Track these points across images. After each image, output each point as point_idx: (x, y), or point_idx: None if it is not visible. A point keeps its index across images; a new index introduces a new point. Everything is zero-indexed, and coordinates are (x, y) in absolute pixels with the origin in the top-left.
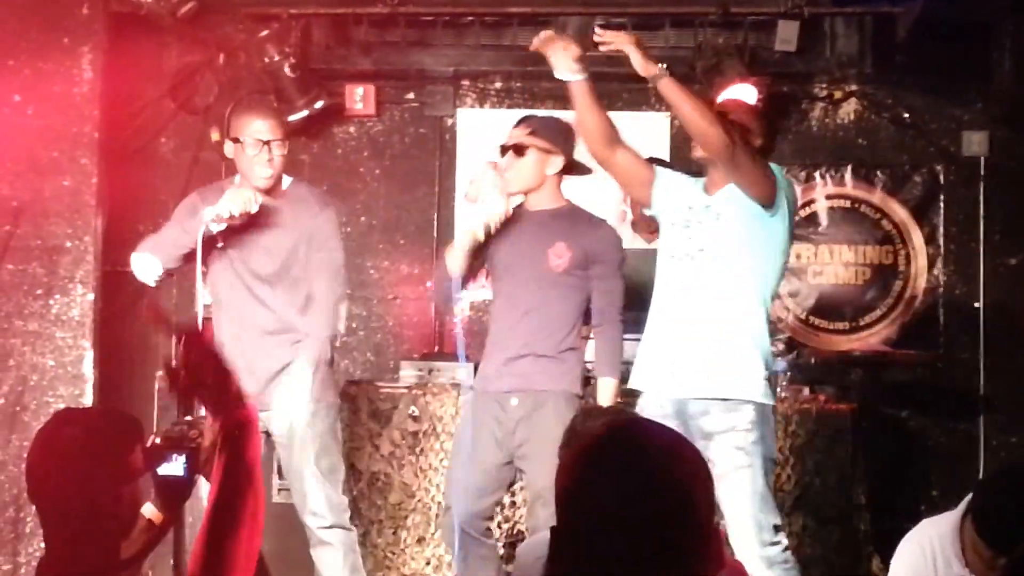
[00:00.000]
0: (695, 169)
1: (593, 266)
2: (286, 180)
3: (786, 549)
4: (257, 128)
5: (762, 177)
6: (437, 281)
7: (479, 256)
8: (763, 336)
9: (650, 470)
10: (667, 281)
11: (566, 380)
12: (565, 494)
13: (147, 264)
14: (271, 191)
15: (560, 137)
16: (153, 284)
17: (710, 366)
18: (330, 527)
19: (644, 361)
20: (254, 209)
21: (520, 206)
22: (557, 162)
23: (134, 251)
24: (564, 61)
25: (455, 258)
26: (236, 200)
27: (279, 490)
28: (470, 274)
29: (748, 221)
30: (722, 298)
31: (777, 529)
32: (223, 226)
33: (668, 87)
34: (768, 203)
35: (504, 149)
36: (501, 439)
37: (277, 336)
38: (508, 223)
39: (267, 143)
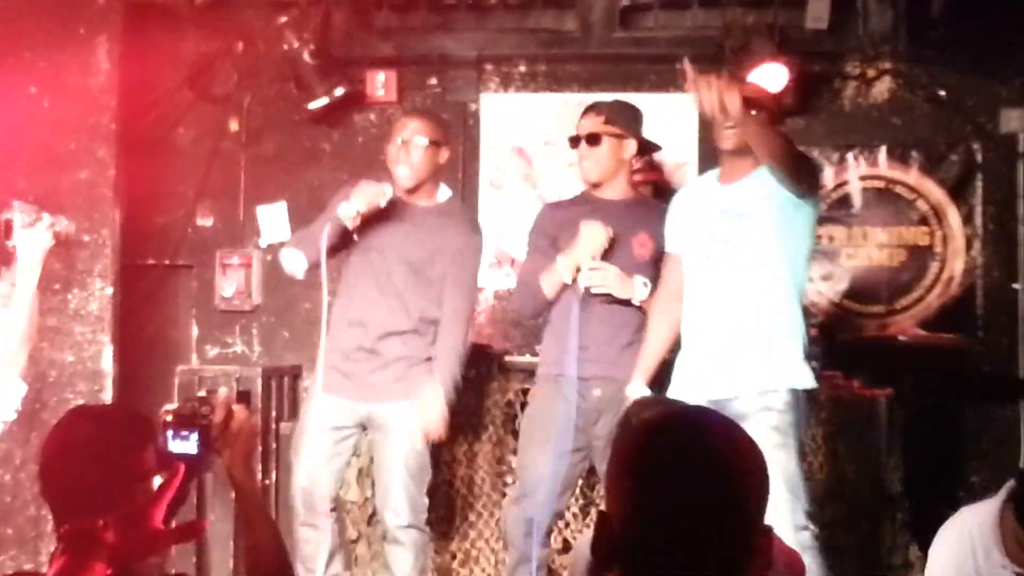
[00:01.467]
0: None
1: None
2: (444, 192)
3: (816, 536)
4: (402, 127)
5: (810, 174)
6: None
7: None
8: (798, 322)
9: (705, 459)
10: (696, 283)
11: None
12: (617, 483)
13: (293, 259)
14: (418, 194)
15: (632, 121)
16: (301, 277)
17: (748, 361)
18: (407, 527)
19: (681, 369)
20: (382, 203)
21: (589, 195)
22: (631, 146)
23: (284, 246)
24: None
25: None
26: (363, 194)
27: None
28: None
29: (775, 209)
30: (754, 289)
31: (809, 515)
32: (354, 221)
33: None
34: (807, 193)
35: (576, 140)
36: (582, 427)
37: (402, 335)
38: (582, 213)
39: (406, 143)
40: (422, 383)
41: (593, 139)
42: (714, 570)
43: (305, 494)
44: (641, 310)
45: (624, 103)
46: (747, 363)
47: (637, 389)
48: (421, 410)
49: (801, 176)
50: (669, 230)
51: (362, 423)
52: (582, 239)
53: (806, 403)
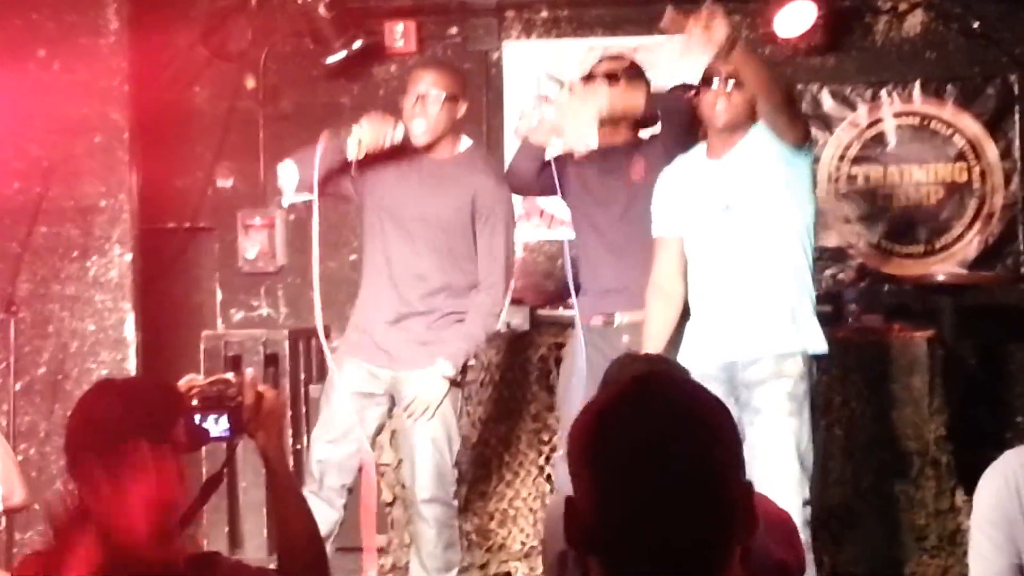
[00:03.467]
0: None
1: None
2: (464, 143)
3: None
4: (417, 80)
5: (803, 123)
6: None
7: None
8: (807, 282)
9: (667, 437)
10: (701, 253)
11: None
12: (578, 470)
13: (287, 171)
14: (436, 150)
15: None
16: (286, 201)
17: (758, 324)
18: (430, 500)
19: (692, 335)
20: (386, 141)
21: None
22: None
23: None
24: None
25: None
26: (371, 125)
27: None
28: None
29: (771, 167)
30: (758, 251)
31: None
32: (357, 149)
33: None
34: (802, 142)
35: (592, 77)
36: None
37: (428, 297)
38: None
39: (422, 96)
40: (443, 349)
41: (613, 77)
42: (696, 549)
43: (321, 466)
44: None
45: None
46: (762, 325)
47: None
48: (421, 382)
49: (795, 119)
50: (658, 212)
51: (389, 391)
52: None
53: (816, 369)
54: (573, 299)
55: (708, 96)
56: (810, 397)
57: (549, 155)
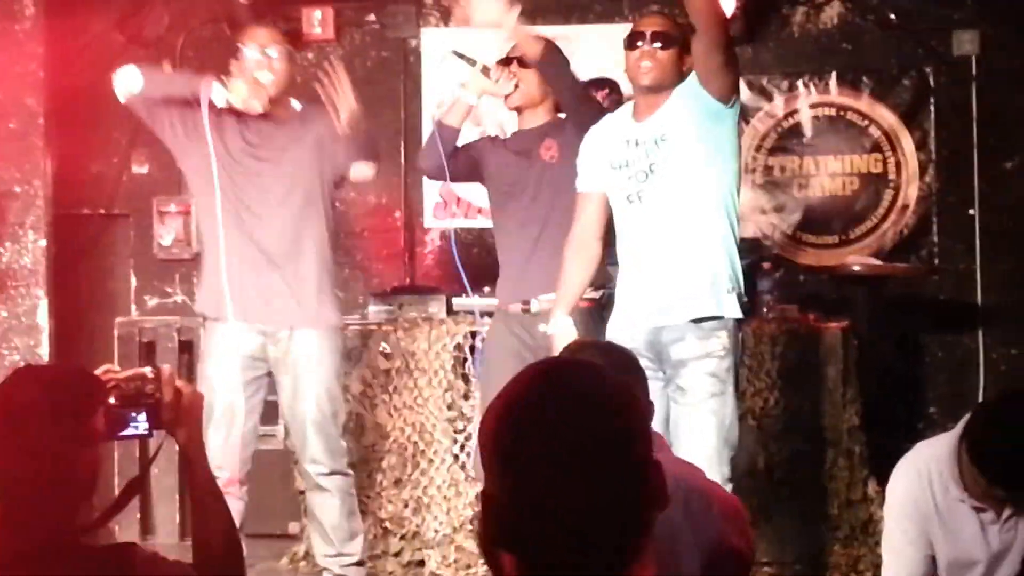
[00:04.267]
0: None
1: None
2: (294, 103)
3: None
4: (256, 36)
5: (734, 72)
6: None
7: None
8: (732, 248)
9: (574, 428)
10: (626, 217)
11: None
12: (489, 465)
13: (130, 77)
14: (277, 109)
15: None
16: (122, 99)
17: (681, 287)
18: (329, 473)
19: (621, 301)
20: (256, 108)
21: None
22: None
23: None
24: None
25: None
26: (248, 89)
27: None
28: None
29: (696, 127)
30: (682, 214)
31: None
32: (219, 101)
33: None
34: (730, 94)
35: (509, 60)
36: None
37: (300, 275)
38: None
39: (265, 53)
40: (323, 311)
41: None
42: (608, 531)
43: (221, 457)
44: None
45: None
46: (682, 292)
47: (560, 324)
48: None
49: (729, 64)
50: (583, 168)
51: (268, 365)
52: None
53: (740, 340)
54: (467, 288)
55: (634, 55)
56: (735, 370)
57: (464, 139)
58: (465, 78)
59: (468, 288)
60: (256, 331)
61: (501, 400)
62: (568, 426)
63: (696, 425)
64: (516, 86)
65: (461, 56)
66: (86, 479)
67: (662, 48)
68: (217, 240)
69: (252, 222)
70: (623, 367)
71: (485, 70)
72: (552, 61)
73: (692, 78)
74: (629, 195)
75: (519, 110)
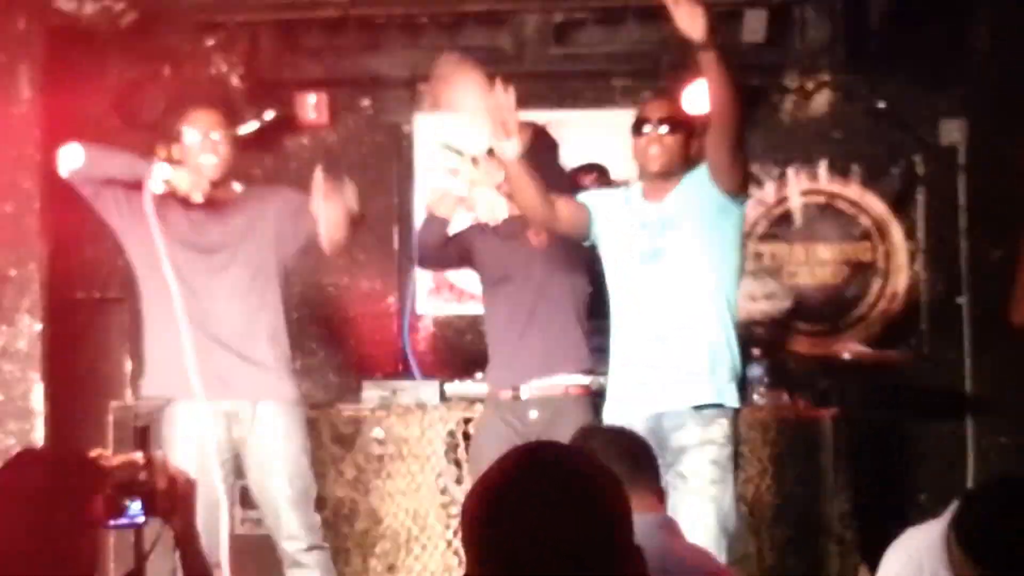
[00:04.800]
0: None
1: None
2: (236, 187)
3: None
4: (199, 121)
5: (745, 168)
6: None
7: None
8: (732, 338)
9: (559, 501)
10: (625, 294)
11: None
12: (469, 550)
13: (72, 154)
14: (219, 193)
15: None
16: (64, 174)
17: (682, 374)
18: (308, 549)
19: (617, 386)
20: (198, 196)
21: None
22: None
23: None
24: (504, 137)
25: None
26: (191, 177)
27: (242, 521)
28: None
29: (703, 218)
30: (685, 302)
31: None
32: (159, 187)
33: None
34: (739, 190)
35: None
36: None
37: (253, 349)
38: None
39: (208, 137)
40: (281, 385)
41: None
42: None
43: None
44: (584, 305)
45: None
46: (682, 379)
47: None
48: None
49: (740, 159)
50: (595, 222)
51: (234, 445)
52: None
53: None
54: (416, 375)
55: (641, 140)
56: (734, 458)
57: (455, 228)
58: (455, 167)
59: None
60: (220, 413)
61: (482, 485)
62: (550, 512)
63: (696, 512)
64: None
65: (451, 149)
66: (85, 564)
67: (669, 133)
68: (173, 320)
69: (201, 307)
70: (634, 451)
71: (474, 161)
72: (534, 151)
73: (703, 169)
74: (631, 276)
75: (510, 196)
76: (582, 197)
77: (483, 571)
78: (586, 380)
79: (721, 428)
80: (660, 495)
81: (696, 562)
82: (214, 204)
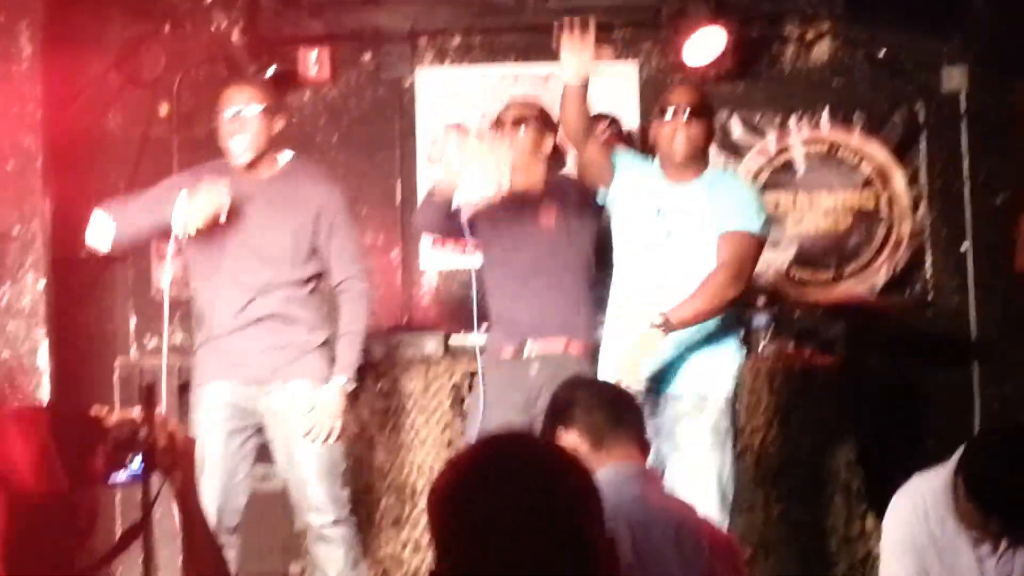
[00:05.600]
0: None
1: None
2: (285, 156)
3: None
4: (229, 98)
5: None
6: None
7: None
8: (734, 324)
9: (528, 501)
10: (633, 269)
11: None
12: (437, 535)
13: (103, 227)
14: (258, 168)
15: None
16: (102, 252)
17: (686, 360)
18: (333, 523)
19: (613, 351)
20: (223, 215)
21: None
22: (550, 143)
23: (97, 207)
24: (578, 64)
25: None
26: (201, 210)
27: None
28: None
29: (717, 217)
30: (690, 280)
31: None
32: (187, 235)
33: None
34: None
35: (501, 123)
36: (523, 406)
37: (285, 326)
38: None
39: (238, 113)
40: (316, 364)
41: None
42: None
43: (219, 512)
44: (588, 276)
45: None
46: (686, 364)
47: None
48: (316, 407)
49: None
50: (616, 181)
51: (257, 418)
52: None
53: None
54: (475, 331)
55: (665, 128)
56: (733, 429)
57: (458, 201)
58: (457, 141)
59: (476, 330)
60: (249, 382)
61: (446, 476)
62: (515, 501)
63: (694, 481)
64: (510, 148)
65: (455, 131)
66: (85, 520)
67: (695, 120)
68: (209, 298)
69: (243, 290)
70: (615, 402)
71: (479, 135)
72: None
73: (732, 203)
74: (645, 247)
75: (514, 171)
76: (615, 151)
77: (448, 564)
78: (587, 340)
79: (719, 397)
80: (642, 446)
81: (677, 511)
82: (250, 194)
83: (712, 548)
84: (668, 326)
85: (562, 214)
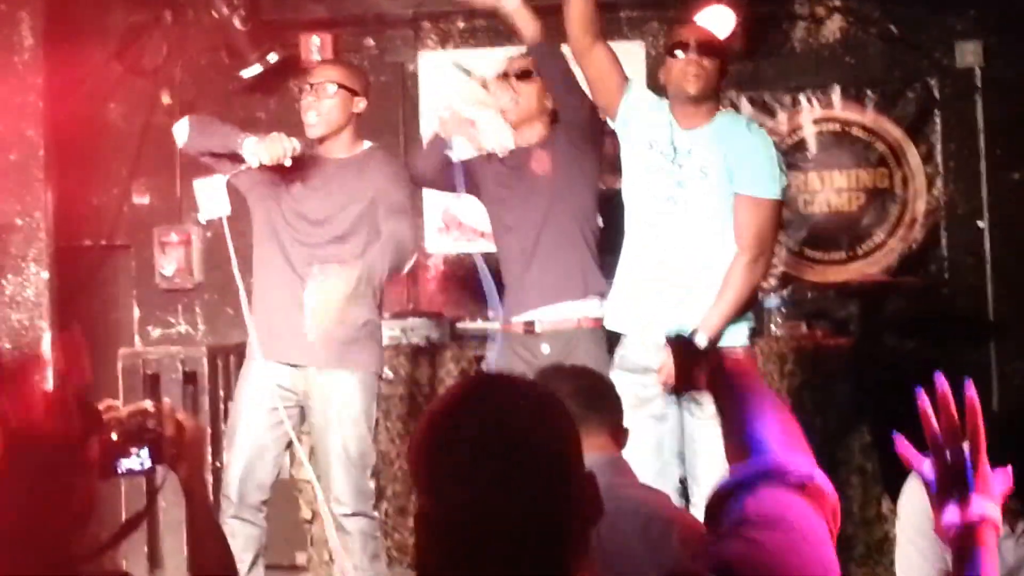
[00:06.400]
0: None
1: None
2: (364, 145)
3: None
4: (313, 73)
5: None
6: None
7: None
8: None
9: (503, 443)
10: (645, 220)
11: None
12: (417, 481)
13: (182, 132)
14: (331, 146)
15: None
16: (180, 146)
17: (698, 315)
18: (352, 515)
19: (626, 302)
20: (287, 161)
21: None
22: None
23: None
24: None
25: None
26: (271, 148)
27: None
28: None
29: (734, 165)
30: (707, 242)
31: None
32: (255, 165)
33: None
34: None
35: (506, 75)
36: None
37: (335, 314)
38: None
39: (314, 86)
40: (360, 355)
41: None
42: (543, 548)
43: (241, 484)
44: (592, 227)
45: None
46: (697, 316)
47: None
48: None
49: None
50: (626, 102)
51: (299, 397)
52: None
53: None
54: (494, 308)
55: (678, 63)
56: None
57: (459, 155)
58: (463, 90)
59: (497, 304)
60: (296, 363)
61: (425, 419)
62: (491, 439)
63: (713, 440)
64: (514, 101)
65: (461, 68)
66: (79, 509)
67: (708, 58)
68: (260, 284)
69: (296, 275)
70: (588, 390)
71: (483, 83)
72: (546, 47)
73: (748, 158)
74: (657, 197)
75: (516, 126)
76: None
77: (430, 506)
78: (598, 311)
79: (735, 355)
80: (616, 436)
81: (647, 502)
82: (319, 167)
83: (681, 536)
84: (705, 340)
85: (556, 166)
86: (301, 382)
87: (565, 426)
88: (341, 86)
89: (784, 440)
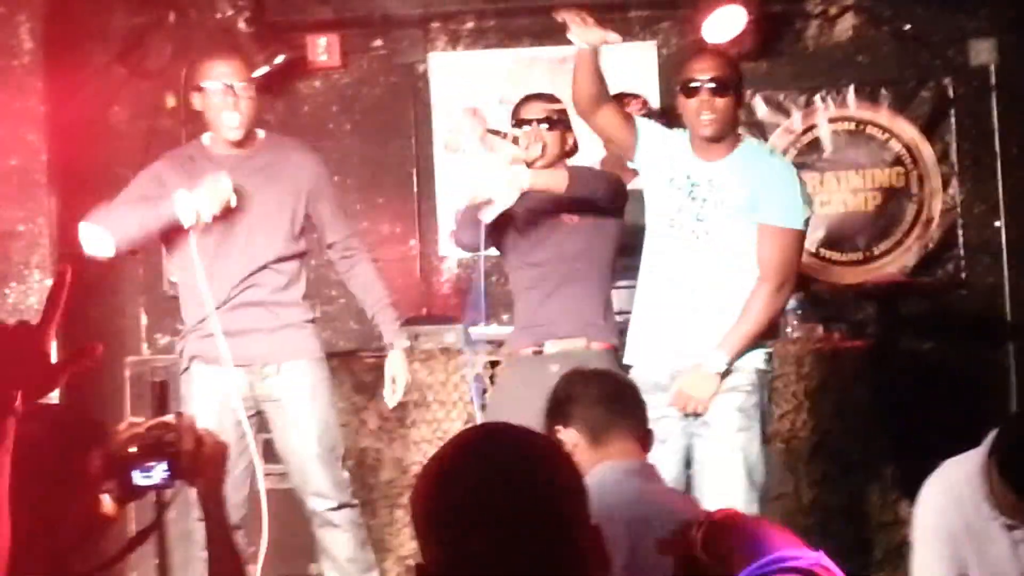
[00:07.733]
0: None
1: None
2: (259, 133)
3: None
4: (220, 71)
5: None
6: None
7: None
8: None
9: (511, 478)
10: (664, 250)
11: None
12: (424, 533)
13: (97, 239)
14: (245, 143)
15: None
16: (104, 259)
17: (708, 335)
18: (338, 507)
19: (641, 333)
20: (233, 200)
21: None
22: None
23: (83, 220)
24: (585, 33)
25: None
26: (212, 199)
27: (265, 475)
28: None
29: (750, 197)
30: (727, 271)
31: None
32: (198, 225)
33: None
34: None
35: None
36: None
37: (279, 307)
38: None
39: (231, 87)
40: (309, 342)
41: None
42: None
43: None
44: (609, 282)
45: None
46: (712, 337)
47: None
48: (395, 374)
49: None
50: (641, 145)
51: (257, 403)
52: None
53: (767, 388)
54: (479, 316)
55: (692, 104)
56: (761, 410)
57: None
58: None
59: (484, 316)
60: (242, 370)
61: (431, 469)
62: (496, 491)
63: (721, 462)
64: (543, 148)
65: (495, 132)
66: (78, 525)
67: (720, 95)
68: (198, 287)
69: (228, 268)
70: (614, 395)
71: (515, 140)
72: (578, 185)
73: (771, 188)
74: (676, 226)
75: (537, 170)
76: (637, 119)
77: (435, 560)
78: (611, 340)
79: (746, 377)
80: (643, 440)
81: (678, 507)
82: (237, 167)
83: None
84: (725, 360)
85: (590, 218)
86: (258, 387)
87: (571, 478)
88: (250, 85)
89: (788, 539)
